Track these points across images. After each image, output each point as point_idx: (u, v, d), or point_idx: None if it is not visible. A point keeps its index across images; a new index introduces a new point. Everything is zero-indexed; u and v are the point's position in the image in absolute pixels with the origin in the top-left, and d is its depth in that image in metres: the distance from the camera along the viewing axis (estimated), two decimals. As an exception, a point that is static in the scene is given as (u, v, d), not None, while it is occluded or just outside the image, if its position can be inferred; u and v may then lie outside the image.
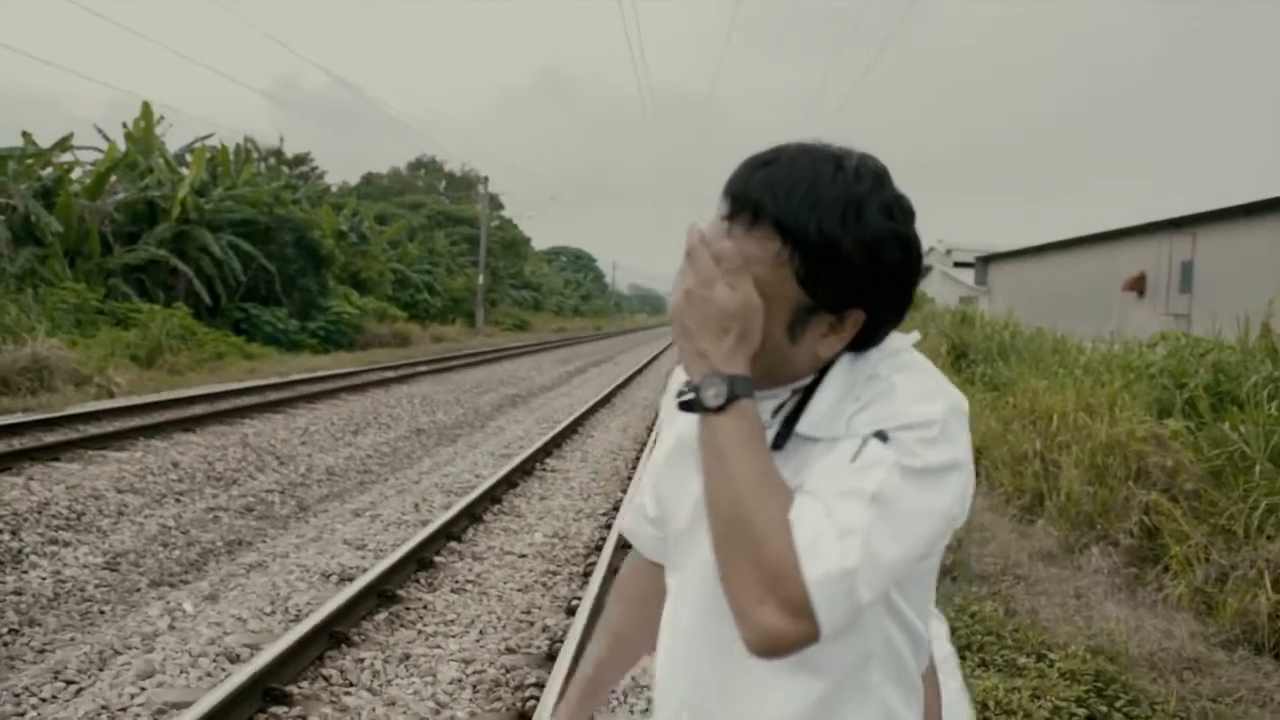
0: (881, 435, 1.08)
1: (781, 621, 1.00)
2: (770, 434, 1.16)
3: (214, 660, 4.50)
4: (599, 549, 6.85)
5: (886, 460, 1.06)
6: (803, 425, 1.16)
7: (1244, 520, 5.94)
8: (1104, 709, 4.35)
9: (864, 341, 1.18)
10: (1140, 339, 11.29)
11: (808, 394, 1.17)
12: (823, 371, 1.18)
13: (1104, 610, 5.65)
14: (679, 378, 1.34)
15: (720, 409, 1.07)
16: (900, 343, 1.22)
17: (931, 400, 1.11)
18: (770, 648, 1.02)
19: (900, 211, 1.16)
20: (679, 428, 1.31)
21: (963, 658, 4.55)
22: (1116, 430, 7.67)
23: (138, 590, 6.26)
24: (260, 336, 25.80)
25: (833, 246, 1.10)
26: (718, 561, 1.06)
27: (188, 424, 11.40)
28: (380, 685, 4.32)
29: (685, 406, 1.11)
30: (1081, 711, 4.28)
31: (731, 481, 1.05)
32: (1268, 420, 6.75)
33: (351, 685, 4.32)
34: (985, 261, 38.60)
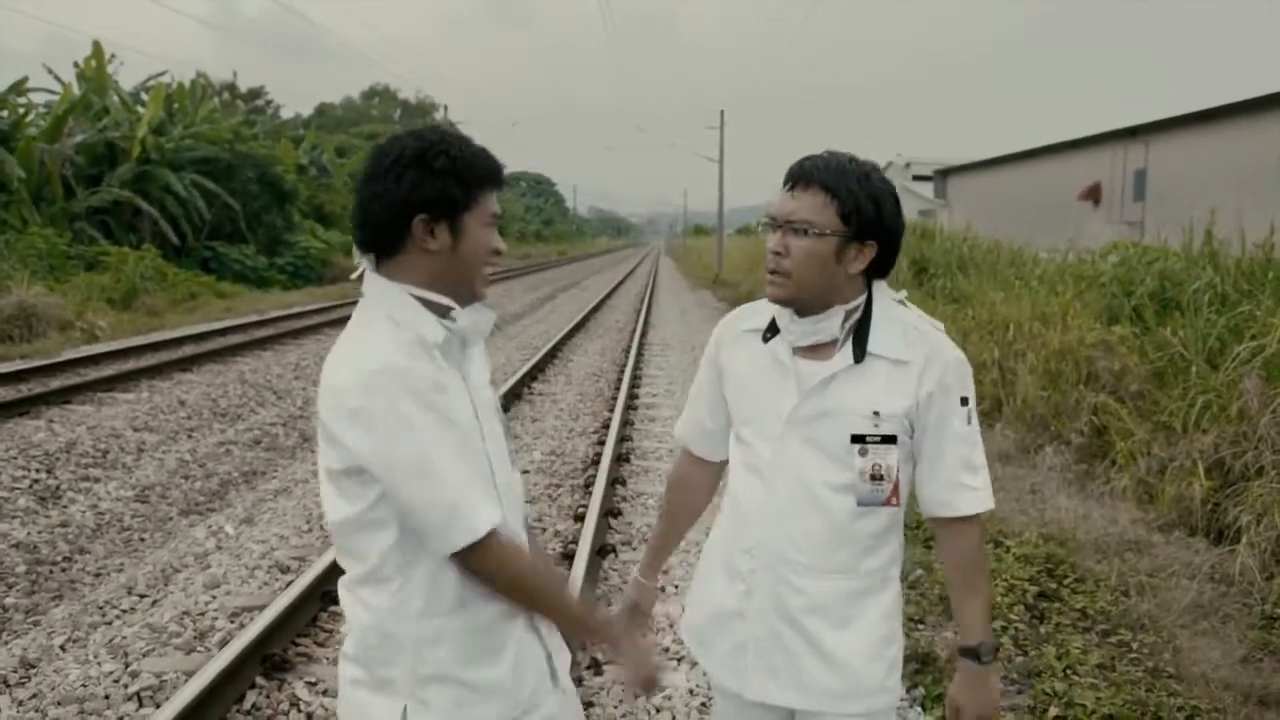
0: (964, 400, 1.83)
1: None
2: (849, 351, 1.76)
3: (268, 571, 5.02)
4: (596, 463, 7.36)
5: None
6: (874, 346, 1.76)
7: (1182, 416, 6.40)
8: (1053, 585, 4.90)
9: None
10: (1095, 248, 11.66)
11: (863, 322, 1.78)
12: (868, 307, 1.78)
13: (1056, 502, 6.17)
14: (737, 315, 1.87)
15: None
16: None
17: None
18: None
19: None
20: (751, 354, 1.83)
21: (928, 547, 5.11)
22: (1068, 338, 8.11)
23: (170, 519, 6.74)
24: (229, 274, 25.89)
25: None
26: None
27: (185, 364, 11.78)
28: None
29: None
30: (1033, 588, 4.82)
31: None
32: (1205, 324, 7.26)
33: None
34: (944, 175, 38.86)
